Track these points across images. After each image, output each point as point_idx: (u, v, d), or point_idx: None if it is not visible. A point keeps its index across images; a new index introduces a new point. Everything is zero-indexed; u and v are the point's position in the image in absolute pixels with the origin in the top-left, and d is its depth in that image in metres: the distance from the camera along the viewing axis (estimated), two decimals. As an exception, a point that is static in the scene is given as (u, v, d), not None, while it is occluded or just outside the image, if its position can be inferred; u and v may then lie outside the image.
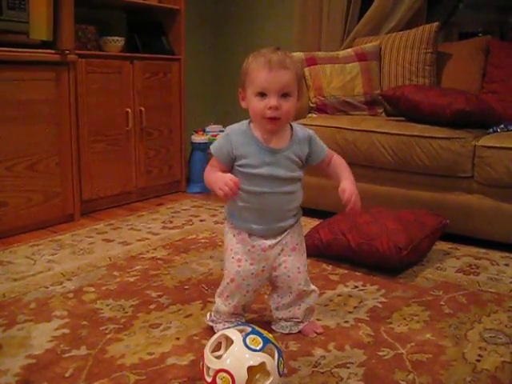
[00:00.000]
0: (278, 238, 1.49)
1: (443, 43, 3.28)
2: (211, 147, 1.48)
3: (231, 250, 1.50)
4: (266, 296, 1.67)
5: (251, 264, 1.49)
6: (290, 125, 1.48)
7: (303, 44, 3.54)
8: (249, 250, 1.48)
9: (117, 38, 3.08)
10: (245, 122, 1.47)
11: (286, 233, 1.51)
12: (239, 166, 1.43)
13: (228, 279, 1.51)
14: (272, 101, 1.36)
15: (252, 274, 1.49)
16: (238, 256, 1.49)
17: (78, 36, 2.91)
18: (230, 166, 1.45)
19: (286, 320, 1.58)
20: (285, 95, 1.38)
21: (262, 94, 1.38)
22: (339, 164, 1.53)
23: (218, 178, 1.38)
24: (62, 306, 1.76)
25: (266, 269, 1.51)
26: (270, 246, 1.49)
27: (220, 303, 1.55)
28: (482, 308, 1.76)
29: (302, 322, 1.58)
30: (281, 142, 1.44)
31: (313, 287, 1.59)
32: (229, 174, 1.38)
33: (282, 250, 1.51)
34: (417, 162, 2.49)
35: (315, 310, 1.64)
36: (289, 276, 1.52)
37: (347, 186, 1.43)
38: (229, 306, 1.53)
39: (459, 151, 2.38)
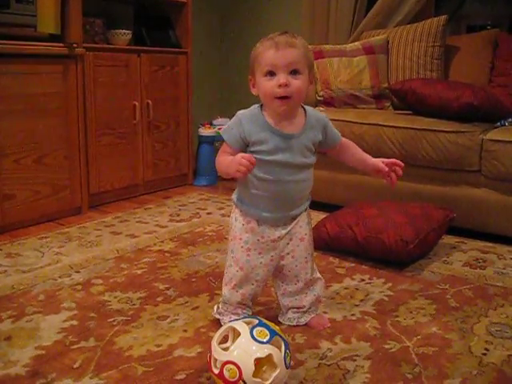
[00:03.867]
0: (288, 228, 1.49)
1: (451, 36, 3.25)
2: (222, 133, 1.44)
3: (240, 239, 1.49)
4: (272, 289, 1.67)
5: (260, 253, 1.49)
6: (304, 109, 1.46)
7: (311, 37, 3.53)
8: (258, 240, 1.48)
9: (124, 31, 3.08)
10: (256, 107, 1.44)
11: (295, 222, 1.50)
12: (253, 152, 1.40)
13: (237, 267, 1.51)
14: (281, 78, 1.34)
15: (261, 263, 1.50)
16: (247, 245, 1.49)
17: (86, 29, 2.91)
18: (242, 151, 1.41)
19: (292, 311, 1.58)
20: (294, 72, 1.36)
21: (271, 74, 1.36)
22: (353, 147, 1.60)
23: (230, 162, 1.36)
24: (70, 297, 1.78)
25: (274, 258, 1.51)
26: (279, 237, 1.49)
27: (227, 291, 1.54)
28: (488, 302, 1.76)
29: (308, 312, 1.58)
30: (294, 127, 1.42)
31: (319, 275, 1.60)
32: (240, 154, 1.35)
33: (291, 239, 1.51)
34: (424, 155, 2.48)
35: (322, 301, 1.65)
36: (296, 265, 1.53)
37: (380, 162, 1.58)
38: (237, 293, 1.53)
39: (467, 145, 2.38)
